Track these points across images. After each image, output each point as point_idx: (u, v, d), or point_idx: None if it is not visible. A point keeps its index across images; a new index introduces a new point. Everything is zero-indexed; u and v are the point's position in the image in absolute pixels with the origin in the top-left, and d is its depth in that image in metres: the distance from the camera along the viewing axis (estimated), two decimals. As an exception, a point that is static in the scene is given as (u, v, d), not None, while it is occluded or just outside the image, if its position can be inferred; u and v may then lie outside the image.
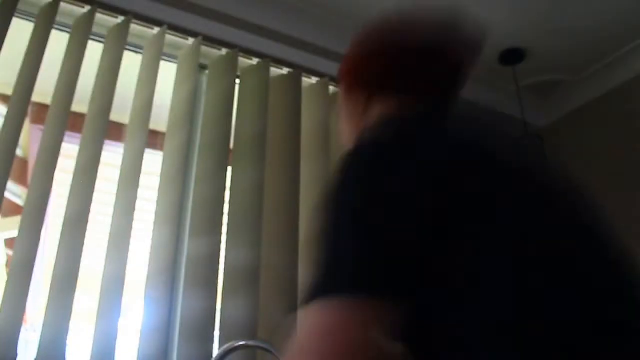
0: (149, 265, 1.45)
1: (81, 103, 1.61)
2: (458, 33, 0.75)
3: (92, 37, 1.62)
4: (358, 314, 0.47)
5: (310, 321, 0.48)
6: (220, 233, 1.55)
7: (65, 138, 1.44)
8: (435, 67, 0.70)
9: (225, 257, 1.56)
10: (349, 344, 0.46)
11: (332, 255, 0.51)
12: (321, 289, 0.49)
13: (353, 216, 0.52)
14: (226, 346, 1.26)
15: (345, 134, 0.77)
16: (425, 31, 0.73)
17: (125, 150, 1.54)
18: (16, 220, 1.85)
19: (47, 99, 1.55)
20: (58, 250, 1.34)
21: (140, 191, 1.48)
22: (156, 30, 1.71)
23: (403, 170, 0.52)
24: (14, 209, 2.22)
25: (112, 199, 1.47)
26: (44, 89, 1.60)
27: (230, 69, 1.77)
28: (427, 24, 0.74)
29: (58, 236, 1.36)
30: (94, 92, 1.55)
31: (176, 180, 1.54)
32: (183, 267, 1.52)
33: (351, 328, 0.46)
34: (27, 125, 2.05)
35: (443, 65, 0.71)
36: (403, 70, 0.70)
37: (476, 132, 0.59)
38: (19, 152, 2.03)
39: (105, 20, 1.66)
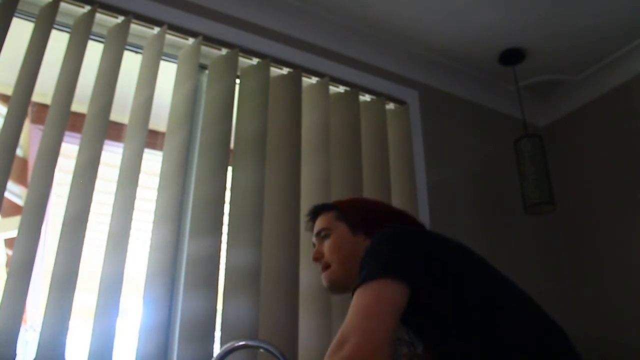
0: (149, 265, 1.45)
1: (81, 103, 1.61)
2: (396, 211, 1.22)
3: (92, 37, 1.62)
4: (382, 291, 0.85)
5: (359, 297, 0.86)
6: (221, 233, 1.55)
7: (65, 138, 1.44)
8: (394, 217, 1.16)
9: (226, 257, 1.56)
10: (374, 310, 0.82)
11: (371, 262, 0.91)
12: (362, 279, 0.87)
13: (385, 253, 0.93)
14: (227, 346, 1.26)
15: (343, 256, 1.12)
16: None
17: (125, 150, 1.54)
18: (16, 220, 1.85)
19: (47, 99, 1.55)
20: (58, 250, 1.34)
21: (140, 191, 1.48)
22: (156, 30, 1.71)
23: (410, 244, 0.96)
24: (14, 209, 2.22)
25: (112, 199, 1.47)
26: (44, 89, 1.60)
27: (230, 69, 1.77)
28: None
29: (58, 236, 1.35)
30: (94, 92, 1.55)
31: (176, 180, 1.54)
32: (183, 267, 1.52)
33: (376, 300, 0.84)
34: (27, 125, 2.05)
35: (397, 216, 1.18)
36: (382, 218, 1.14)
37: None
38: (19, 152, 2.03)
39: (105, 20, 1.66)
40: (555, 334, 0.90)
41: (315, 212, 1.21)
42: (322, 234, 1.15)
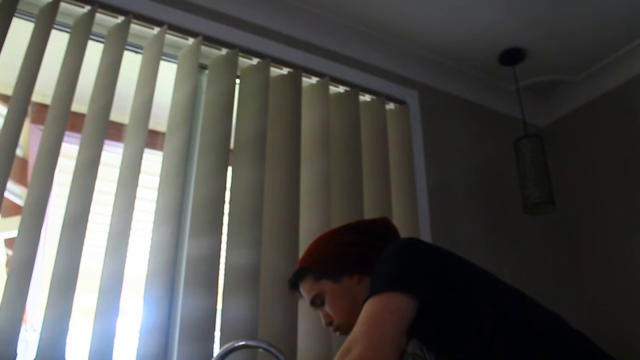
0: (149, 265, 1.45)
1: (81, 103, 1.61)
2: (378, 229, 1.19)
3: (92, 37, 1.62)
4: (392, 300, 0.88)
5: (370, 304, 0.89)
6: (221, 233, 1.55)
7: (65, 138, 1.44)
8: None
9: (226, 257, 1.56)
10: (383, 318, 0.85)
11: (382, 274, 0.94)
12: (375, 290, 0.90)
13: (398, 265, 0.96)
14: (226, 346, 1.26)
15: (346, 308, 1.10)
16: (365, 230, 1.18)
17: (125, 150, 1.54)
18: (16, 220, 1.85)
19: (47, 99, 1.55)
20: (58, 250, 1.34)
21: (140, 191, 1.48)
22: (156, 30, 1.71)
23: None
24: (14, 209, 2.22)
25: (112, 199, 1.47)
26: (44, 89, 1.60)
27: (230, 69, 1.77)
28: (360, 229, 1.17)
29: (58, 236, 1.36)
30: (94, 92, 1.55)
31: (176, 180, 1.54)
32: (183, 267, 1.52)
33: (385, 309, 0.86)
34: (27, 125, 2.06)
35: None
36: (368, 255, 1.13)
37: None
38: (19, 152, 2.03)
39: (105, 20, 1.66)
40: (575, 339, 0.92)
41: (294, 284, 1.18)
42: (317, 302, 1.14)
